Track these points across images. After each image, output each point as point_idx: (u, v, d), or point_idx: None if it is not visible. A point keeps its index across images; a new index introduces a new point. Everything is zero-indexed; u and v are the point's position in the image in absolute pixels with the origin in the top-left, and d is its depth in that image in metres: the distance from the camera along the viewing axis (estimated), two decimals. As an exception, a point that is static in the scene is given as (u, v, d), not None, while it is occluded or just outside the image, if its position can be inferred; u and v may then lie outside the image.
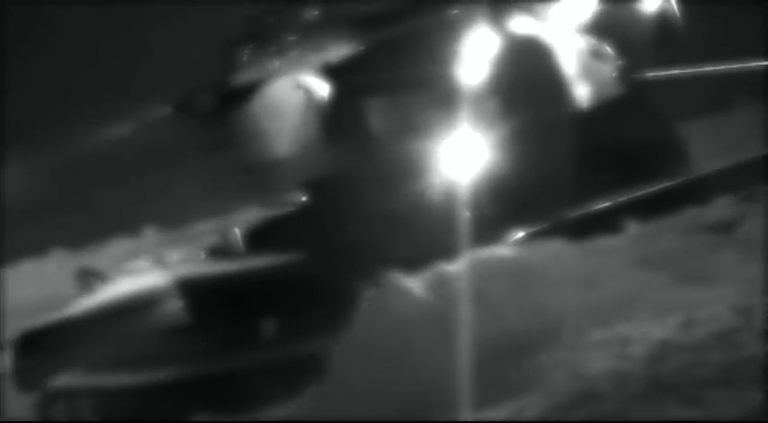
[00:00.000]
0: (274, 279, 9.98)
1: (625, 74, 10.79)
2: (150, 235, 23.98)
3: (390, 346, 8.89)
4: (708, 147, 11.08)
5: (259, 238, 10.46)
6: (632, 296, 8.80)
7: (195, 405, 9.69)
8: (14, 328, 10.50)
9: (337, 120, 10.42)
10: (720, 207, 9.95)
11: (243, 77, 10.55)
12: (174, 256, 10.76)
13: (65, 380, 9.96)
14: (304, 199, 10.52)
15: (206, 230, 10.98)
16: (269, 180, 10.63)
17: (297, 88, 10.47)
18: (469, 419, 7.97)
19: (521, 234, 9.89)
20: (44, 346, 10.12)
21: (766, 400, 6.51)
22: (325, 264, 9.92)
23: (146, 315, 9.89)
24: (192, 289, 9.90)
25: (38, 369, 10.10)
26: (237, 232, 10.41)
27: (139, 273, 10.43)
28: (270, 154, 10.51)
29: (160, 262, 10.55)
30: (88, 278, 10.58)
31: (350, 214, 10.15)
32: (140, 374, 9.83)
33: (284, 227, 10.47)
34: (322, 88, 10.42)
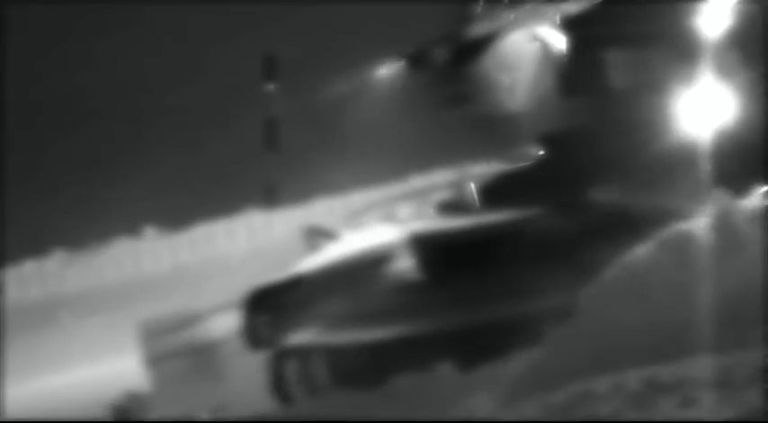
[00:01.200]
0: (510, 235, 9.82)
1: None
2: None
3: (633, 297, 8.73)
4: None
5: (494, 192, 10.32)
6: None
7: (427, 361, 9.60)
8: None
9: (574, 73, 10.21)
10: None
11: (477, 30, 10.44)
12: (405, 211, 10.71)
13: (297, 338, 9.98)
14: (540, 153, 10.36)
15: (437, 185, 10.89)
16: (504, 134, 10.51)
17: (533, 40, 10.32)
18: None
19: (764, 189, 9.54)
20: (276, 303, 10.17)
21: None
22: (562, 219, 9.73)
23: (377, 272, 9.83)
24: (424, 245, 9.80)
25: (269, 327, 10.14)
26: (472, 187, 10.29)
27: (370, 229, 10.39)
28: (505, 108, 10.38)
29: (391, 218, 10.51)
30: (316, 237, 10.60)
31: (587, 169, 9.93)
32: (373, 332, 9.78)
33: (520, 181, 10.31)
34: (559, 40, 10.24)
